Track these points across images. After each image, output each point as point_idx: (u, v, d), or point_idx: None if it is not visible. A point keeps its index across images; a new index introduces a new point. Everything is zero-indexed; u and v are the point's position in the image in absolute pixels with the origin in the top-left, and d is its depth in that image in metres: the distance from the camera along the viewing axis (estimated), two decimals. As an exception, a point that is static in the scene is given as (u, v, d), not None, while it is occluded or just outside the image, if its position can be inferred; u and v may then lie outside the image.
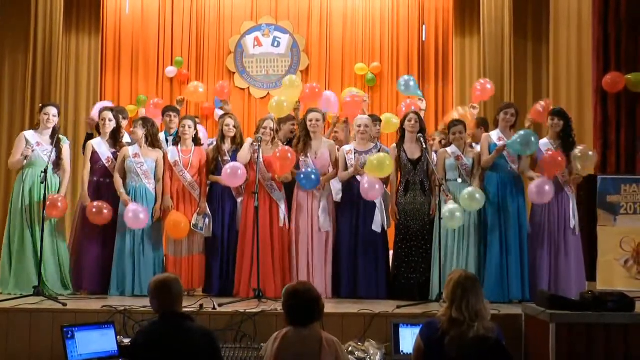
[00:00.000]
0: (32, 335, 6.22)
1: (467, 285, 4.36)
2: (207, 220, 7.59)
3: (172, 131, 8.57)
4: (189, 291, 7.38)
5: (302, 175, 7.41)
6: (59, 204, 7.33)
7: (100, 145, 7.72)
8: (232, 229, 7.70)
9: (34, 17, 10.89)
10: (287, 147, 7.44)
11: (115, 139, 7.78)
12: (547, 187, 7.19)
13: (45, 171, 7.08)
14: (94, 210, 7.38)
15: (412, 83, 8.86)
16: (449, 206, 7.11)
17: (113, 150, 7.73)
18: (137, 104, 11.58)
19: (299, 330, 4.26)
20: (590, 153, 7.46)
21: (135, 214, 7.33)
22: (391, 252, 7.76)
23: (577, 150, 7.39)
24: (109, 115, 7.76)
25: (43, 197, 7.13)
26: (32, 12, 10.88)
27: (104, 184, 7.68)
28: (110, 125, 7.74)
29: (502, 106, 7.80)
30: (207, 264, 7.67)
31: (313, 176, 7.41)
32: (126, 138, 8.11)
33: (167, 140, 8.34)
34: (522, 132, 7.27)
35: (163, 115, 8.90)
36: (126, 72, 12.16)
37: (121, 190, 7.53)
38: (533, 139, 7.17)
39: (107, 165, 7.66)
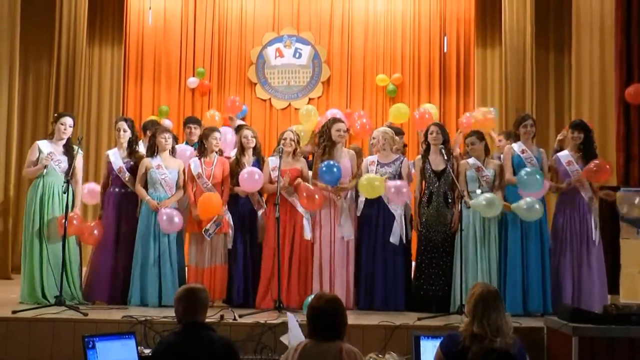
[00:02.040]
0: (54, 344, 6.25)
1: (488, 301, 4.34)
2: (217, 227, 7.55)
3: (193, 143, 8.62)
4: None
5: (324, 169, 7.37)
6: (74, 221, 7.34)
7: (115, 156, 7.74)
8: (253, 240, 7.70)
9: (58, 27, 10.99)
10: (314, 188, 7.39)
11: (131, 149, 7.81)
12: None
13: (68, 182, 7.13)
14: (86, 233, 7.47)
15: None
16: (485, 195, 7.15)
17: (127, 160, 7.73)
18: (159, 115, 11.65)
19: (319, 342, 4.24)
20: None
21: (170, 217, 7.37)
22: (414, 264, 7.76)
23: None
24: (123, 125, 7.78)
25: (65, 208, 7.15)
26: (56, 23, 10.98)
27: (119, 193, 7.70)
28: (126, 136, 7.76)
29: (519, 119, 7.75)
30: (228, 275, 7.66)
31: (335, 169, 7.37)
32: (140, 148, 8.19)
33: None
34: (528, 170, 7.24)
35: (184, 126, 8.93)
36: (148, 82, 12.26)
37: (147, 197, 7.54)
38: (538, 176, 7.18)
39: (118, 175, 7.67)
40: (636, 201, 7.40)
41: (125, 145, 7.78)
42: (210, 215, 7.46)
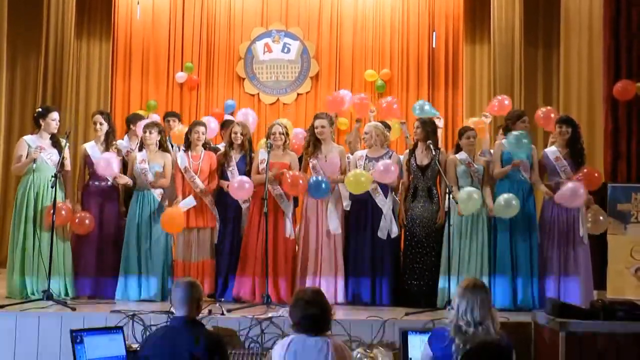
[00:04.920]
0: (41, 339, 6.23)
1: (473, 295, 4.37)
2: (191, 202, 7.55)
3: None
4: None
5: (312, 183, 7.38)
6: (63, 212, 7.30)
7: (94, 149, 7.72)
8: (238, 235, 7.71)
9: (46, 21, 10.96)
10: (298, 174, 7.42)
11: (108, 142, 7.79)
12: (581, 190, 7.14)
13: (56, 176, 7.11)
14: (77, 221, 7.42)
15: (426, 107, 8.63)
16: (504, 196, 7.14)
17: (106, 153, 7.71)
18: (147, 109, 11.61)
19: (306, 336, 4.24)
20: (601, 218, 7.42)
21: (107, 162, 7.39)
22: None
23: (589, 216, 7.37)
24: (100, 119, 7.78)
25: (53, 202, 7.13)
26: (44, 17, 10.95)
27: (99, 187, 7.68)
28: (103, 129, 7.75)
29: (519, 114, 7.76)
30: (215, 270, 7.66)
31: (323, 185, 7.39)
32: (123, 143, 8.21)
33: (172, 145, 8.38)
34: (515, 133, 7.27)
35: (164, 120, 8.93)
36: (136, 77, 12.19)
37: (125, 179, 7.60)
38: (525, 140, 7.20)
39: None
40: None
41: (102, 138, 7.78)
42: (171, 231, 7.51)
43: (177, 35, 12.30)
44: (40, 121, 7.58)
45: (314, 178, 7.41)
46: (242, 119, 8.34)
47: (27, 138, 7.62)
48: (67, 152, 7.66)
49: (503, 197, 7.14)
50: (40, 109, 7.82)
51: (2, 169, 10.62)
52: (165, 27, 12.30)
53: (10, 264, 7.44)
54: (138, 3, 11.84)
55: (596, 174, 7.38)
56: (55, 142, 7.56)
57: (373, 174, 7.39)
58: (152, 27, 12.26)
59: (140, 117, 8.77)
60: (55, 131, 7.59)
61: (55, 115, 7.61)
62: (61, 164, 7.49)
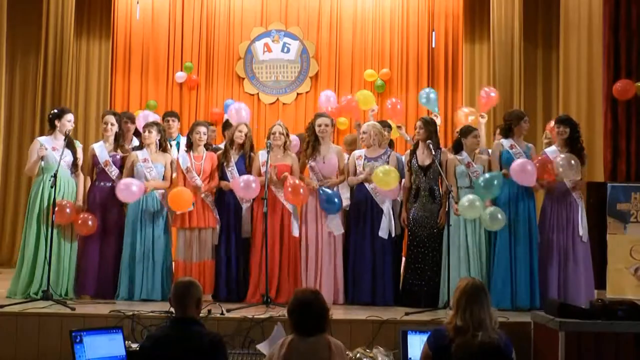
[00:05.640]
0: (41, 339, 6.24)
1: (472, 294, 4.37)
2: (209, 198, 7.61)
3: (174, 136, 8.61)
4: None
5: (324, 200, 7.39)
6: (67, 210, 7.32)
7: (101, 149, 7.72)
8: (238, 235, 7.70)
9: (45, 21, 10.96)
10: (299, 182, 7.38)
11: (117, 142, 7.80)
12: (529, 167, 7.11)
13: (55, 175, 7.10)
14: (80, 222, 7.40)
15: (432, 95, 8.72)
16: (468, 196, 7.08)
17: (113, 153, 7.72)
18: (147, 109, 11.60)
19: (305, 336, 4.24)
20: (573, 162, 7.21)
21: (127, 186, 7.34)
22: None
23: (560, 159, 7.23)
24: (111, 119, 7.78)
25: (53, 202, 7.13)
26: (43, 16, 10.95)
27: (105, 188, 7.66)
28: (113, 130, 7.76)
29: (518, 114, 7.67)
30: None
31: (336, 199, 7.40)
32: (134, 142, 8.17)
33: (170, 145, 8.37)
34: (487, 176, 7.19)
35: (162, 119, 8.93)
36: (136, 77, 12.20)
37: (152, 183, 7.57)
38: (496, 182, 7.11)
39: (104, 168, 7.65)
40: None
41: (111, 139, 7.78)
42: (179, 209, 7.47)
43: (177, 35, 12.32)
44: (56, 122, 7.59)
45: (326, 193, 7.40)
46: (235, 115, 8.32)
47: (41, 139, 7.65)
48: (80, 153, 7.72)
49: (468, 198, 7.07)
50: (55, 110, 7.83)
51: (2, 169, 10.61)
52: (165, 27, 12.31)
53: (20, 263, 7.45)
54: (137, 3, 11.84)
55: (550, 165, 7.26)
56: (68, 143, 7.56)
57: (375, 188, 7.41)
58: (151, 27, 12.27)
59: (128, 116, 8.73)
60: (69, 132, 7.59)
61: (70, 116, 7.64)
62: (74, 165, 7.56)
